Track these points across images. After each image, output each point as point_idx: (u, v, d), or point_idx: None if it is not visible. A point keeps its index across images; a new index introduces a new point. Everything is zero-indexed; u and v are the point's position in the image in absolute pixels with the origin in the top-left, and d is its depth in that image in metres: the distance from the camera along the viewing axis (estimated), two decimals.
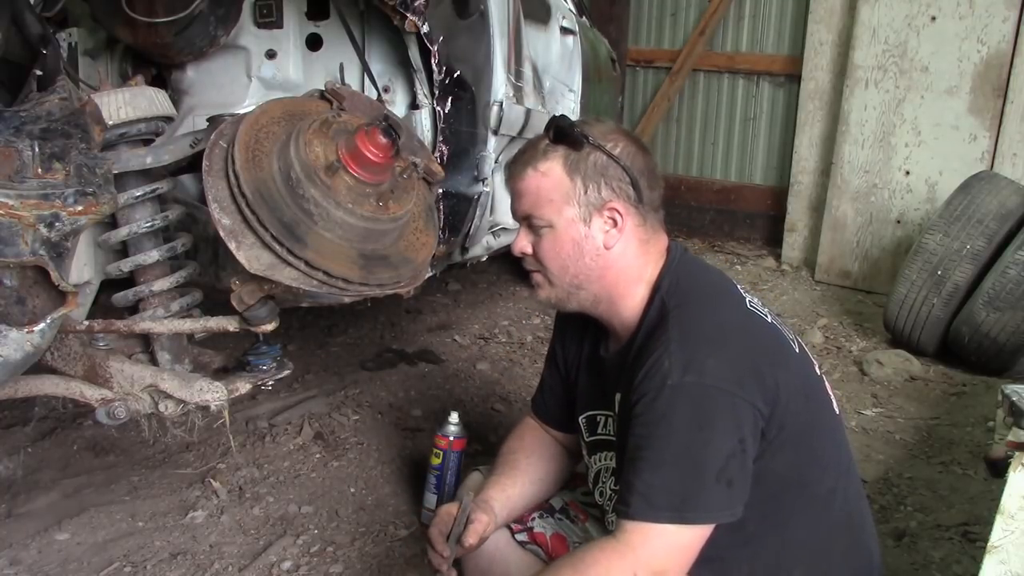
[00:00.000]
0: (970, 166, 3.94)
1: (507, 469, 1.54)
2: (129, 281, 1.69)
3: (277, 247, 1.40)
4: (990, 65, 4.00)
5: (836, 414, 1.39)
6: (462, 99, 2.11)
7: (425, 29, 1.92)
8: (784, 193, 4.97)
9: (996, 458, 1.41)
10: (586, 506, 1.58)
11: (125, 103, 1.56)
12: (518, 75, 2.49)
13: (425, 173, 1.63)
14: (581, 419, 1.50)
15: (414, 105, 2.11)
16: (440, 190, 2.04)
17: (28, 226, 1.16)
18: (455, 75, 2.06)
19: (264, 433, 2.46)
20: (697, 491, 1.16)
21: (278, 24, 2.11)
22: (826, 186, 4.57)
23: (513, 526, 1.53)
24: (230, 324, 1.58)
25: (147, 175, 1.64)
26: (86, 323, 1.57)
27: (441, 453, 2.01)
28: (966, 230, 3.22)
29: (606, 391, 1.40)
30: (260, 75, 2.12)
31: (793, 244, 4.91)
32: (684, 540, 1.17)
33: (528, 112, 2.46)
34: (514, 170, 1.37)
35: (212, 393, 1.57)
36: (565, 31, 3.12)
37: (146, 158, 1.60)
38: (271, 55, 2.13)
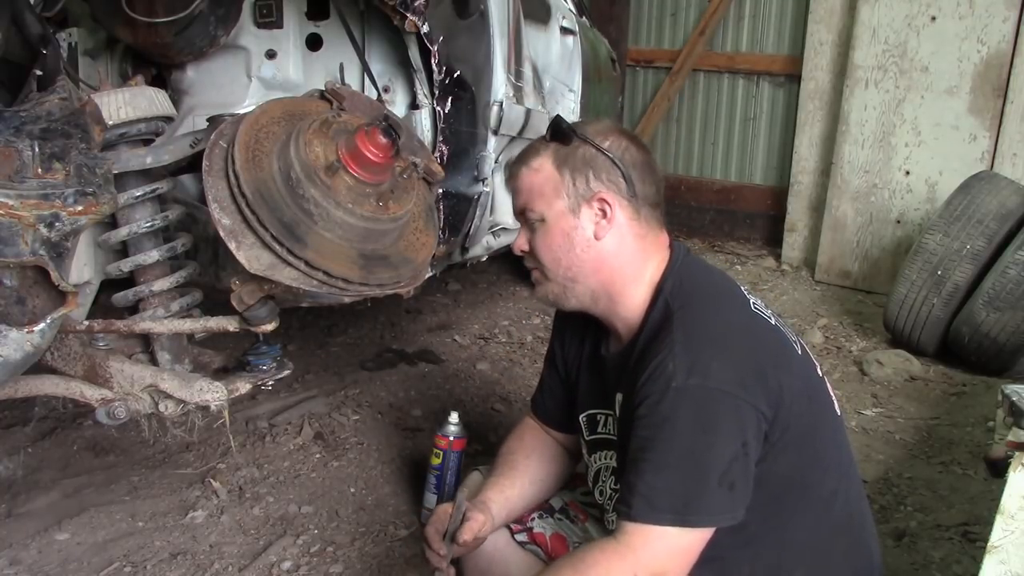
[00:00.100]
0: (970, 166, 3.94)
1: (506, 470, 1.54)
2: (129, 281, 1.69)
3: (277, 247, 1.40)
4: (990, 65, 4.00)
5: (838, 415, 1.39)
6: (462, 99, 2.11)
7: (425, 29, 1.92)
8: (784, 193, 4.97)
9: (996, 458, 1.41)
10: (586, 506, 1.58)
11: (125, 103, 1.56)
12: (518, 75, 2.49)
13: (425, 173, 1.63)
14: (581, 418, 1.50)
15: (414, 105, 2.10)
16: (440, 190, 2.04)
17: (28, 226, 1.16)
18: (455, 75, 2.06)
19: (264, 433, 2.46)
20: (699, 494, 1.16)
21: (278, 24, 2.11)
22: (826, 186, 4.57)
23: (513, 526, 1.53)
24: (230, 324, 1.58)
25: (147, 175, 1.64)
26: (86, 323, 1.57)
27: (441, 453, 2.01)
28: (966, 230, 3.22)
29: (607, 390, 1.41)
30: (260, 75, 2.12)
31: (793, 244, 4.91)
32: (685, 542, 1.17)
33: (528, 112, 2.46)
34: (512, 170, 1.40)
35: (212, 393, 1.57)
36: (565, 31, 3.12)
37: (146, 158, 1.60)
38: (271, 55, 2.13)
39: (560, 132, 1.34)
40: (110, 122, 1.51)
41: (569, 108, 3.13)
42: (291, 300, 1.75)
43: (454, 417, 2.03)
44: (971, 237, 3.20)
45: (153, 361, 1.69)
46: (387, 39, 2.14)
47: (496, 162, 2.33)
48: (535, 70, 2.71)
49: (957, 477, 2.37)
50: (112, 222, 1.63)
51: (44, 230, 1.18)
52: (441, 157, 2.07)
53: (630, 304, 1.34)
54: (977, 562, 1.27)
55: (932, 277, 3.25)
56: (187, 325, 1.63)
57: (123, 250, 1.69)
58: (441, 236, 2.07)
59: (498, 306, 3.86)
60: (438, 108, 2.05)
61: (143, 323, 1.62)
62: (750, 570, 1.29)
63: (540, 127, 1.37)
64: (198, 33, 1.89)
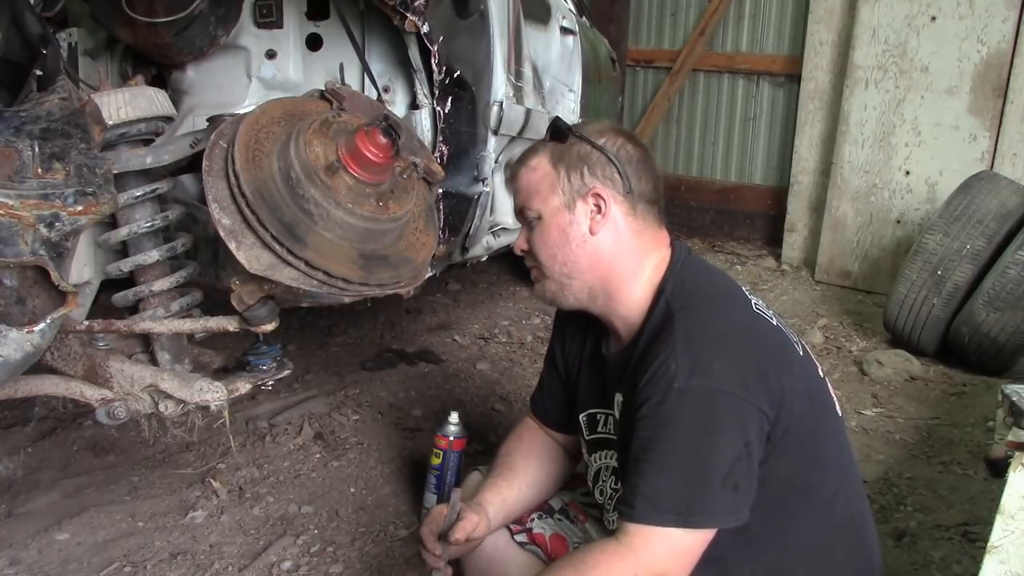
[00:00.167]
0: (970, 166, 3.94)
1: (503, 471, 1.54)
2: (129, 281, 1.69)
3: (277, 247, 1.40)
4: (990, 65, 4.00)
5: (839, 416, 1.39)
6: (462, 99, 2.11)
7: (425, 29, 1.92)
8: (784, 193, 4.97)
9: (996, 458, 1.41)
10: (586, 506, 1.58)
11: (125, 103, 1.56)
12: (518, 75, 2.49)
13: (425, 173, 1.63)
14: (581, 417, 1.50)
15: (414, 105, 2.10)
16: (440, 190, 2.04)
17: (28, 226, 1.16)
18: (455, 75, 2.06)
19: (264, 433, 2.46)
20: (703, 495, 1.16)
21: (278, 24, 2.11)
22: (826, 186, 4.57)
23: (512, 527, 1.53)
24: (230, 324, 1.58)
25: (147, 175, 1.64)
26: (86, 323, 1.57)
27: (441, 453, 2.01)
28: (966, 230, 3.22)
29: (607, 390, 1.40)
30: (260, 75, 2.12)
31: (793, 244, 4.91)
32: (687, 543, 1.17)
33: (528, 112, 2.46)
34: (512, 170, 1.42)
35: (212, 393, 1.57)
36: (565, 31, 3.12)
37: (146, 158, 1.60)
38: (271, 55, 2.13)
39: (558, 131, 1.35)
40: (110, 122, 1.51)
41: (569, 108, 3.13)
42: (291, 300, 1.75)
43: (454, 417, 2.03)
44: (971, 237, 3.20)
45: (153, 361, 1.69)
46: (387, 39, 2.14)
47: (496, 162, 2.33)
48: (535, 70, 2.71)
49: (957, 477, 2.37)
50: (112, 222, 1.63)
51: (44, 230, 1.18)
52: (441, 157, 2.07)
53: (628, 302, 1.34)
54: (977, 562, 1.27)
55: (932, 277, 3.25)
56: (187, 325, 1.63)
57: (123, 250, 1.69)
58: (441, 236, 2.07)
59: (498, 306, 3.86)
60: (438, 108, 2.05)
61: (143, 323, 1.62)
62: (751, 571, 1.28)
63: (540, 127, 1.37)
64: (198, 33, 1.89)
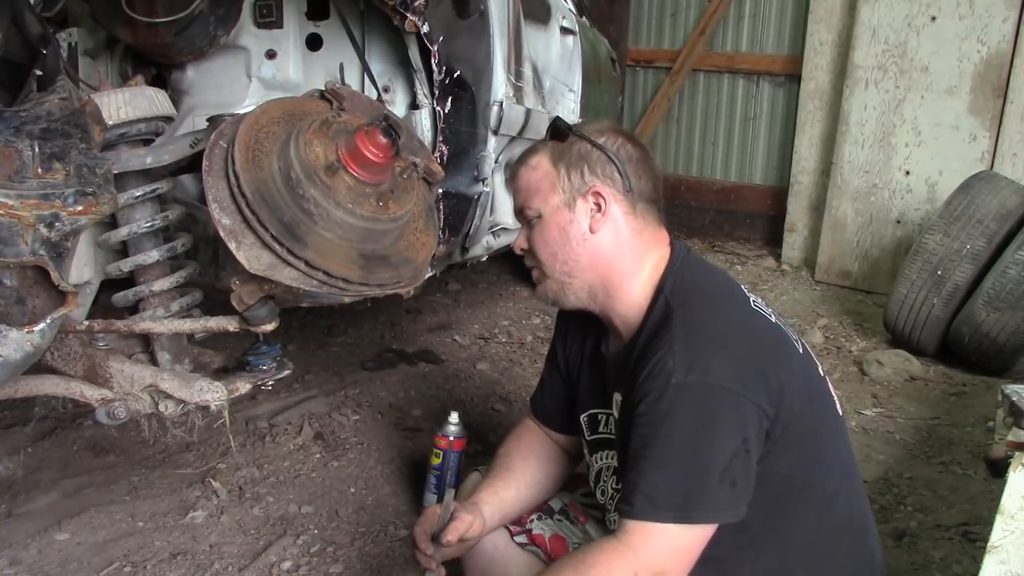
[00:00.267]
0: (970, 166, 3.94)
1: (501, 471, 1.53)
2: (129, 281, 1.69)
3: (277, 247, 1.40)
4: (990, 65, 4.00)
5: (839, 415, 1.39)
6: (462, 99, 2.11)
7: (425, 29, 1.92)
8: (784, 193, 4.97)
9: (996, 458, 1.41)
10: (586, 507, 1.58)
11: (125, 103, 1.56)
12: (518, 75, 2.49)
13: (425, 173, 1.63)
14: (582, 417, 1.50)
15: (414, 105, 2.10)
16: (440, 190, 2.04)
17: (28, 226, 1.16)
18: (455, 75, 2.06)
19: (264, 433, 2.46)
20: (701, 491, 1.16)
21: (278, 24, 2.11)
22: (826, 186, 4.57)
23: (512, 528, 1.53)
24: (230, 324, 1.58)
25: (147, 175, 1.64)
26: (86, 323, 1.57)
27: (441, 453, 2.01)
28: (966, 230, 3.22)
29: (606, 390, 1.41)
30: (260, 75, 2.12)
31: (793, 244, 4.91)
32: (686, 540, 1.17)
33: (528, 112, 2.46)
34: (512, 170, 1.42)
35: (212, 393, 1.57)
36: (565, 31, 3.12)
37: (146, 158, 1.60)
38: (271, 55, 2.13)
39: (558, 131, 1.36)
40: (110, 122, 1.51)
41: (569, 108, 3.13)
42: (291, 300, 1.75)
43: (454, 417, 2.03)
44: (971, 237, 3.20)
45: (153, 361, 1.69)
46: (387, 39, 2.14)
47: (496, 162, 2.33)
48: (535, 70, 2.71)
49: (957, 477, 2.37)
50: (112, 222, 1.63)
51: (44, 230, 1.18)
52: (441, 157, 2.08)
53: (628, 301, 1.34)
54: (977, 562, 1.27)
55: (932, 277, 3.25)
56: (187, 325, 1.63)
57: (123, 250, 1.69)
58: (441, 236, 2.07)
59: (498, 306, 3.86)
60: (438, 108, 2.06)
61: (143, 323, 1.62)
62: (751, 571, 1.28)
63: (540, 127, 1.37)
64: (198, 33, 1.89)
